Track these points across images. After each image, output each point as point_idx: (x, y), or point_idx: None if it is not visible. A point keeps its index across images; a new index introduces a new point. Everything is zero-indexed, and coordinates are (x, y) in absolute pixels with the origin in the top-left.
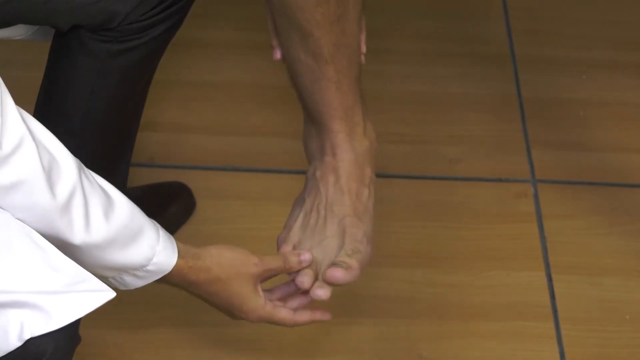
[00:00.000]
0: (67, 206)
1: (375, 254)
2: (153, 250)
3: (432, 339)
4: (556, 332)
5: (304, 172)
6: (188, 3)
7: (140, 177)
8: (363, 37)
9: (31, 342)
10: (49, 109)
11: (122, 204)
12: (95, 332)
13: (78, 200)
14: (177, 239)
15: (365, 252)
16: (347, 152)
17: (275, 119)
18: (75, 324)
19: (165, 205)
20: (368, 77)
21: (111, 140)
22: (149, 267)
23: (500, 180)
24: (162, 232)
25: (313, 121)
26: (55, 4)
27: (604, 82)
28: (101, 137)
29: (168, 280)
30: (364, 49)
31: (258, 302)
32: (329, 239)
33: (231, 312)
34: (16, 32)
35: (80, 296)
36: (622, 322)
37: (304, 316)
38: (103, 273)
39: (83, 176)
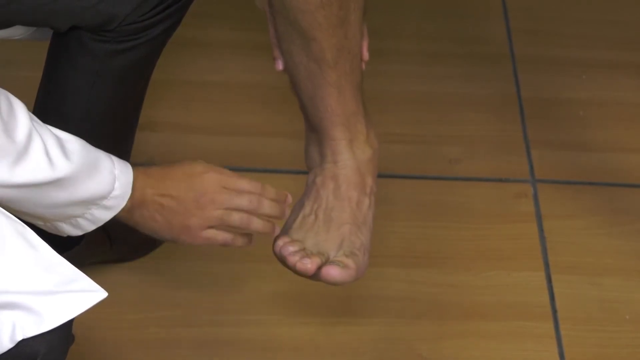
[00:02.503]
0: (27, 148)
1: (375, 254)
2: (112, 174)
3: (432, 339)
4: (556, 332)
5: (304, 172)
6: (187, 3)
7: None
8: (365, 44)
9: (24, 343)
10: (47, 108)
11: (72, 141)
12: (94, 332)
13: (36, 141)
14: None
15: (362, 260)
16: (349, 159)
17: (275, 119)
18: (69, 324)
19: None
20: (368, 77)
21: (110, 140)
22: (115, 192)
23: (500, 180)
24: (114, 158)
25: (314, 130)
26: (54, 7)
27: (604, 82)
28: (100, 137)
29: (131, 198)
30: (366, 56)
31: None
32: (326, 242)
33: (186, 220)
34: (15, 32)
35: (72, 297)
36: (622, 322)
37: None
38: (74, 212)
39: (32, 119)
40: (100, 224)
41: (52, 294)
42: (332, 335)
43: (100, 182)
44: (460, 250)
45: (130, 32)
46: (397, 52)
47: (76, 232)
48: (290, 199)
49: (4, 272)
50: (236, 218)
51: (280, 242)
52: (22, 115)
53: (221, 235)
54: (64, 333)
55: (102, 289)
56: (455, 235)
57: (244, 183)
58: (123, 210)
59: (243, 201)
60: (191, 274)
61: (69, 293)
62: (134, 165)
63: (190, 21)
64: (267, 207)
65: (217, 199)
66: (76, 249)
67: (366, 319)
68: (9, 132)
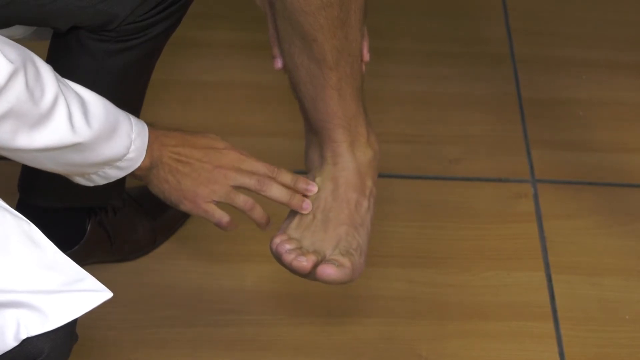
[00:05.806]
0: (51, 113)
1: (375, 253)
2: (129, 138)
3: (432, 339)
4: (556, 332)
5: (304, 173)
6: (187, 3)
7: None
8: (366, 45)
9: (28, 341)
10: None
11: (96, 103)
12: (95, 332)
13: (61, 106)
14: (177, 239)
15: (358, 261)
16: (349, 161)
17: (275, 119)
18: (72, 324)
19: (165, 205)
20: (368, 77)
21: None
22: (129, 155)
23: (500, 180)
24: (133, 118)
25: (315, 132)
26: (54, 7)
27: (604, 82)
28: None
29: (147, 158)
30: (367, 57)
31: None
32: (323, 242)
33: (195, 187)
34: (15, 31)
35: (77, 296)
36: (622, 322)
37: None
38: (88, 170)
39: (59, 82)
40: (112, 180)
41: (57, 293)
42: (332, 335)
43: (117, 146)
44: (460, 250)
45: (130, 32)
46: (397, 52)
47: (87, 184)
48: (314, 187)
49: (9, 271)
50: (241, 200)
51: (277, 240)
52: (49, 80)
53: (218, 213)
54: (68, 332)
55: (107, 289)
56: (455, 235)
57: (260, 166)
58: (140, 169)
59: (252, 181)
60: (191, 274)
61: (74, 292)
62: (155, 126)
63: (190, 21)
64: (275, 190)
65: (229, 175)
66: (76, 249)
67: (366, 319)
68: (35, 98)
